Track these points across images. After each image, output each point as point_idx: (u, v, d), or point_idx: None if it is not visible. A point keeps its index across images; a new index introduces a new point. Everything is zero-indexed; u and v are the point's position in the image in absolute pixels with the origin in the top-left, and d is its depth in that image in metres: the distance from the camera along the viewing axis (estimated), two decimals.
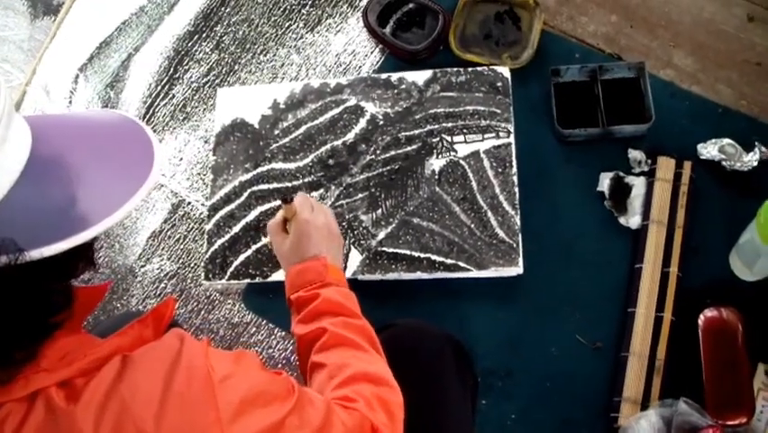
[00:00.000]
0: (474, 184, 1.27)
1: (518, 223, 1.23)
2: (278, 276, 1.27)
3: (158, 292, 1.41)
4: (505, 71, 1.34)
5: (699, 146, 1.26)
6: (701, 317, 1.15)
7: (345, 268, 1.25)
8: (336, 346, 0.87)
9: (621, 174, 1.27)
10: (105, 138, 0.71)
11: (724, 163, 1.24)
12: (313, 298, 0.92)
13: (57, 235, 0.61)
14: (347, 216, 1.29)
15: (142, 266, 1.43)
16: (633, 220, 1.25)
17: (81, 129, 0.72)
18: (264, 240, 1.31)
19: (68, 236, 0.61)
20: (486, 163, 1.28)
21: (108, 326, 1.11)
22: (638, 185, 1.26)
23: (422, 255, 1.24)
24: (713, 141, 1.26)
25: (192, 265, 1.41)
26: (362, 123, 1.35)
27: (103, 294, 0.74)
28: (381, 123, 1.35)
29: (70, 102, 1.59)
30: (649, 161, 1.27)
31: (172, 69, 1.55)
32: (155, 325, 0.75)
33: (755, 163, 1.23)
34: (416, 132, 1.33)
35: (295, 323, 0.93)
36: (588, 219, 1.28)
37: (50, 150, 0.65)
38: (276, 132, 1.38)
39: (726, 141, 1.25)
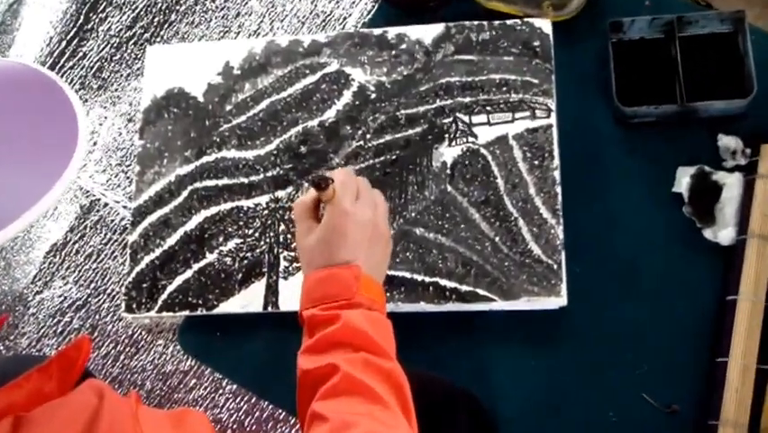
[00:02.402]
0: (501, 182, 1.27)
1: (561, 236, 1.24)
2: (229, 306, 1.29)
3: (59, 329, 1.42)
4: (545, 26, 1.34)
5: None
6: None
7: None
8: (347, 394, 0.87)
9: (707, 169, 1.27)
10: None
11: None
12: (331, 320, 0.92)
13: None
14: None
15: (38, 292, 1.44)
16: (724, 234, 1.25)
17: None
18: (210, 257, 1.31)
19: None
20: (517, 153, 1.28)
21: None
22: (731, 184, 1.25)
23: (427, 279, 1.25)
24: None
25: (108, 292, 1.42)
26: (347, 96, 1.36)
27: None
28: (373, 96, 1.36)
29: None
30: (748, 151, 1.27)
31: (82, 18, 1.56)
32: (61, 375, 0.75)
33: None
34: (422, 109, 1.34)
35: (302, 350, 0.94)
36: (659, 232, 1.28)
37: None
38: (227, 107, 1.39)
39: None
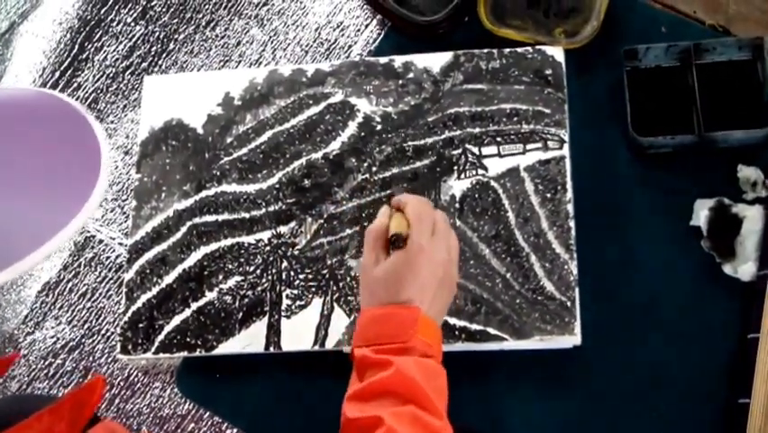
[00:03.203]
0: (512, 215, 1.30)
1: (575, 272, 1.25)
2: (229, 347, 1.30)
3: (51, 372, 1.41)
4: (557, 53, 1.37)
5: None
6: None
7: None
8: None
9: (727, 202, 1.28)
10: (16, 128, 0.68)
11: None
12: (383, 365, 0.92)
13: None
14: (329, 261, 1.32)
15: (29, 333, 1.46)
16: (744, 268, 1.25)
17: None
18: (210, 296, 1.34)
19: None
20: (529, 185, 1.31)
21: None
22: (752, 217, 1.26)
23: None
24: None
25: (103, 332, 1.44)
26: (352, 127, 1.39)
27: (4, 370, 0.75)
28: (379, 127, 1.39)
29: None
30: None
31: (77, 47, 1.59)
32: (73, 416, 0.75)
33: None
34: (429, 140, 1.36)
35: (349, 394, 0.94)
36: (676, 267, 1.29)
37: None
38: (228, 139, 1.42)
39: None
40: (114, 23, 1.57)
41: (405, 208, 1.02)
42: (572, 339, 1.23)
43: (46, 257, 0.62)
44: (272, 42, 1.53)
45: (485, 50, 1.39)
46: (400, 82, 1.40)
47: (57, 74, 1.56)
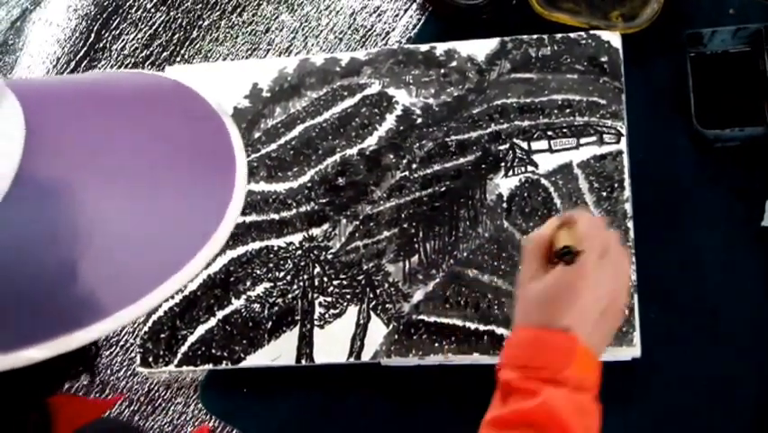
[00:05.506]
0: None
1: (633, 277, 1.24)
2: (258, 359, 1.31)
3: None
4: (614, 39, 1.36)
5: None
6: None
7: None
8: None
9: None
10: (143, 134, 0.67)
11: None
12: (528, 394, 0.91)
13: (37, 333, 0.57)
14: (365, 266, 1.33)
15: None
16: None
17: (103, 113, 0.68)
18: (236, 304, 1.34)
19: (60, 333, 0.58)
20: (583, 183, 1.30)
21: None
22: None
23: (481, 328, 1.26)
24: None
25: (122, 343, 1.45)
26: (390, 120, 1.39)
27: (103, 411, 0.74)
28: (420, 121, 1.39)
29: None
30: None
31: (93, 36, 1.60)
32: None
33: None
34: (474, 135, 1.36)
35: (490, 417, 0.94)
36: (745, 272, 1.29)
37: (48, 161, 0.61)
38: (256, 134, 1.42)
39: None
40: (133, 10, 1.59)
41: (575, 225, 0.98)
42: (631, 351, 1.22)
43: (209, 258, 0.62)
44: (303, 29, 1.54)
45: (534, 36, 1.39)
46: (442, 71, 1.40)
47: (72, 64, 1.58)
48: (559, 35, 1.38)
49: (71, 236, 0.59)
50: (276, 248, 1.36)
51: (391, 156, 1.38)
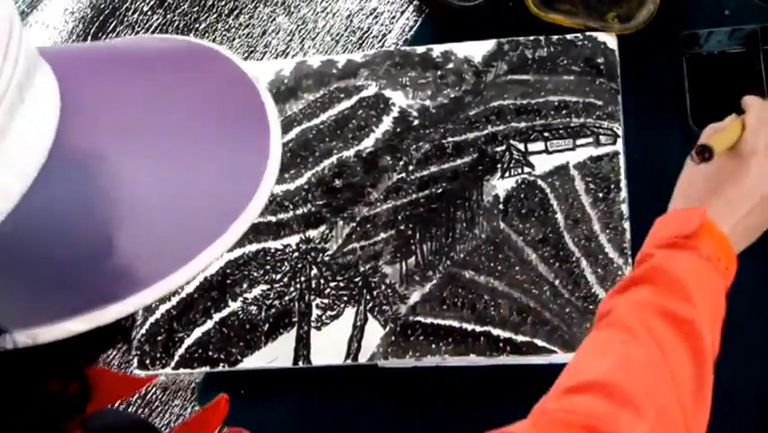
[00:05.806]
0: (560, 217, 1.29)
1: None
2: (255, 361, 1.31)
3: None
4: (610, 40, 1.37)
5: None
6: None
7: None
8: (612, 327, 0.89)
9: None
10: (180, 102, 0.66)
11: None
12: (646, 257, 0.93)
13: (79, 305, 0.58)
14: (362, 268, 1.33)
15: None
16: None
17: (138, 79, 0.67)
18: (233, 306, 1.34)
19: (97, 306, 0.58)
20: (579, 184, 1.30)
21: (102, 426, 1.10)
22: None
23: (478, 329, 1.26)
24: None
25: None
26: (387, 122, 1.40)
27: (139, 387, 0.75)
28: (416, 122, 1.39)
29: None
30: None
31: (90, 39, 1.60)
32: None
33: None
34: (471, 136, 1.37)
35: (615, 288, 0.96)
36: (746, 276, 1.22)
37: (84, 132, 0.60)
38: None
39: None
40: (130, 12, 1.59)
41: (746, 112, 0.99)
42: None
43: (247, 225, 0.62)
44: (300, 32, 1.54)
45: (531, 38, 1.40)
46: (439, 73, 1.41)
47: None
48: (555, 36, 1.39)
49: (109, 209, 0.59)
50: (273, 250, 1.36)
51: (388, 158, 1.38)
